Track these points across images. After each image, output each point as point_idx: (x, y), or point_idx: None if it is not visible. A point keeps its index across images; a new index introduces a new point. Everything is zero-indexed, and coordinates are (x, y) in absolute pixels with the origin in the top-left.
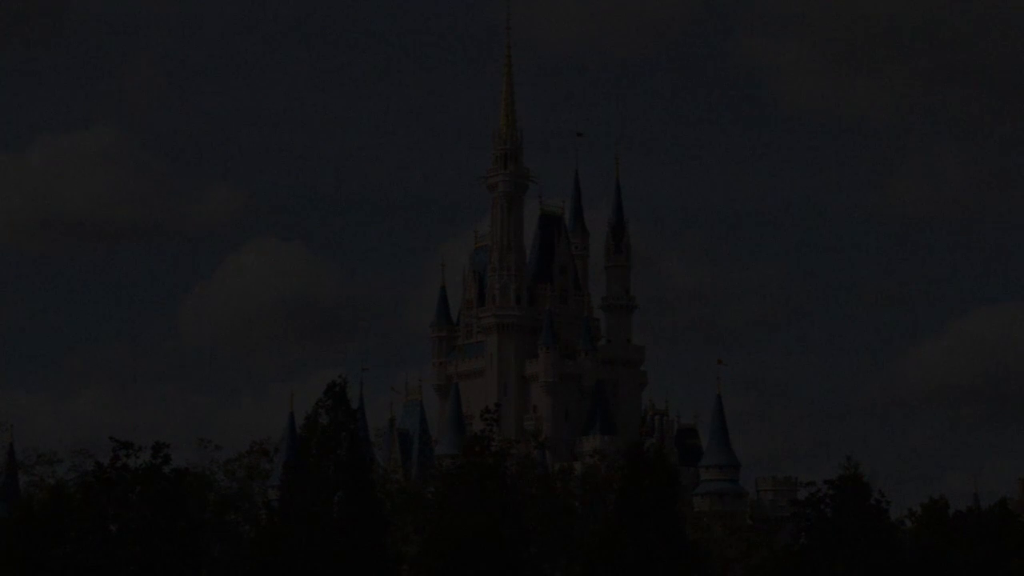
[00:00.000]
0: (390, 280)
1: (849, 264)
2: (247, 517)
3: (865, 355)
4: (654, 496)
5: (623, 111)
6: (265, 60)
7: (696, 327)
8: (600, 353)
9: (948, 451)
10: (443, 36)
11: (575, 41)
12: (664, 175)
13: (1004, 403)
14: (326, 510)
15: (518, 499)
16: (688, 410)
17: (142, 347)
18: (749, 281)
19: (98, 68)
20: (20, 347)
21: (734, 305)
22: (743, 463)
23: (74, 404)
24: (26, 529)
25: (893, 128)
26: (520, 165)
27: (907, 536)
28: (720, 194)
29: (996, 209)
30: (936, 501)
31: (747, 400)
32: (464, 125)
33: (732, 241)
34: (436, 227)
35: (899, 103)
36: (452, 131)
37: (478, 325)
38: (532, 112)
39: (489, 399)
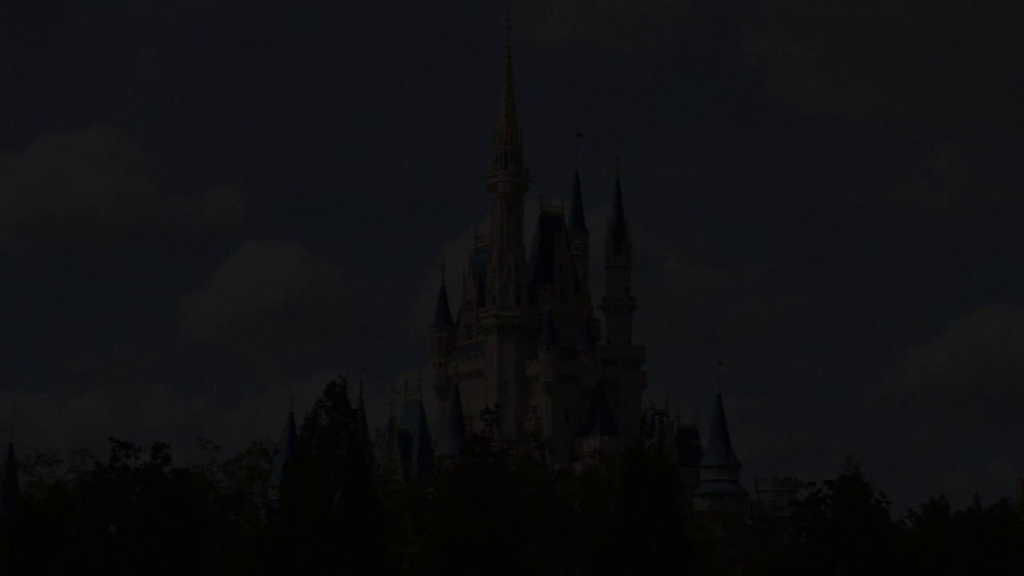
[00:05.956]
0: (390, 280)
1: (849, 264)
2: (247, 517)
3: (865, 355)
4: (654, 496)
5: (623, 111)
6: (265, 60)
7: (696, 327)
8: (600, 353)
9: (948, 451)
10: (443, 36)
11: (575, 41)
12: (664, 175)
13: (1004, 403)
14: (326, 510)
15: (518, 499)
16: (688, 410)
17: (142, 347)
18: (749, 281)
19: (98, 68)
20: (20, 347)
21: (734, 305)
22: (743, 463)
23: (74, 404)
24: (26, 529)
25: (893, 128)
26: (520, 165)
27: (907, 536)
28: (720, 194)
29: (997, 209)
30: (936, 501)
31: (747, 400)
32: (464, 125)
33: (732, 241)
34: (436, 227)
35: (899, 103)
36: (452, 131)
37: (478, 325)
38: (532, 112)
39: (489, 399)
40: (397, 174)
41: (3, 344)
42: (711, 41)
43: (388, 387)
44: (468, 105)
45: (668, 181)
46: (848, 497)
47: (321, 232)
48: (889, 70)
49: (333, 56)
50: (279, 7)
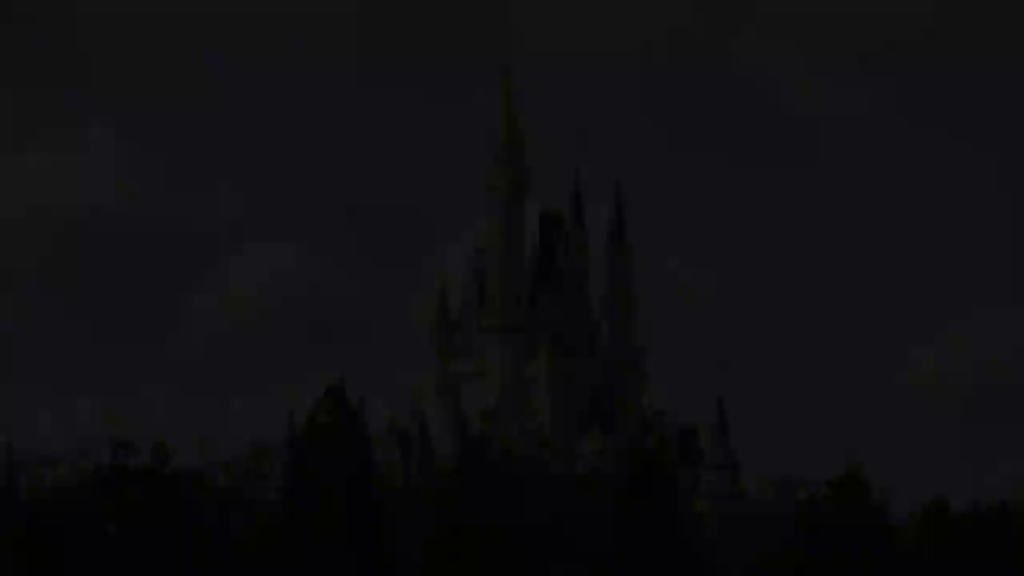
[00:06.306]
0: (390, 280)
1: (849, 264)
2: (247, 517)
3: (865, 355)
4: (654, 496)
5: (623, 111)
6: (265, 60)
7: (696, 327)
8: (600, 353)
9: (948, 451)
10: (443, 36)
11: (575, 41)
12: (664, 175)
13: (1004, 403)
14: (326, 510)
15: (518, 499)
16: (688, 410)
17: (142, 347)
18: (749, 281)
19: (98, 68)
20: (20, 347)
21: (734, 305)
22: (743, 463)
23: (74, 404)
24: (26, 529)
25: (893, 128)
26: (520, 165)
27: (907, 536)
28: (720, 194)
29: (996, 208)
30: (936, 501)
31: (747, 400)
32: (464, 125)
33: (732, 241)
34: (436, 227)
35: (899, 103)
36: (452, 131)
37: (478, 326)
38: (532, 112)
39: (489, 400)
40: (397, 174)
41: (3, 344)
42: (711, 41)
43: (388, 387)
44: (468, 105)
45: (668, 181)
46: (848, 497)
47: (321, 232)
48: (888, 70)
49: (333, 56)
50: (279, 7)
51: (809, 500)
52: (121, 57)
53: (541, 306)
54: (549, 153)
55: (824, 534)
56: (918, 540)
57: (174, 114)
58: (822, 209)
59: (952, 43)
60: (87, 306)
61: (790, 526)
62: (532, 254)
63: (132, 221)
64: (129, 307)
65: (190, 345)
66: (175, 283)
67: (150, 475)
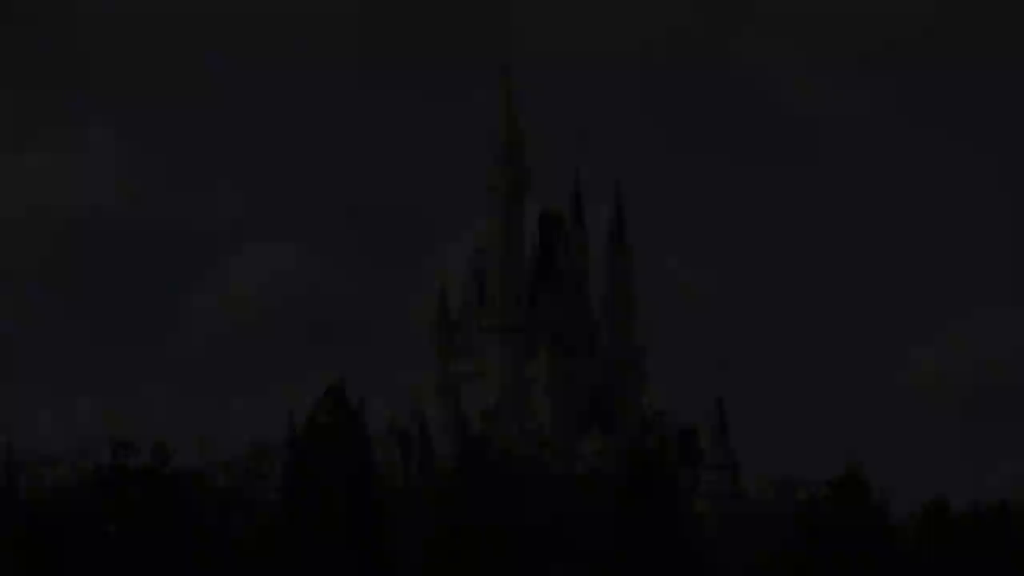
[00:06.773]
0: (390, 280)
1: (849, 264)
2: (247, 517)
3: (865, 355)
4: (654, 496)
5: (623, 111)
6: (265, 60)
7: (696, 327)
8: (600, 353)
9: (948, 451)
10: (443, 36)
11: (575, 41)
12: (664, 175)
13: (1004, 403)
14: (327, 510)
15: (518, 499)
16: (688, 410)
17: (142, 347)
18: (749, 281)
19: (98, 68)
20: (20, 347)
21: (734, 305)
22: (743, 463)
23: (74, 404)
24: (26, 529)
25: (893, 128)
26: (520, 165)
27: (907, 536)
28: (720, 194)
29: (996, 208)
30: (936, 501)
31: (747, 400)
32: (464, 125)
33: (732, 241)
34: (436, 227)
35: (899, 103)
36: (452, 131)
37: (478, 326)
38: (532, 112)
39: (489, 400)
40: (397, 174)
41: (3, 344)
42: (711, 41)
43: (388, 387)
44: (468, 104)
45: (668, 181)
46: (848, 497)
47: (321, 232)
48: (889, 70)
49: (333, 55)
50: (278, 7)
51: (809, 500)
52: (121, 57)
53: (541, 306)
54: (549, 153)
55: (824, 534)
56: (918, 540)
57: (174, 114)
58: (822, 209)
59: (952, 43)
60: (87, 306)
61: (790, 526)
62: (532, 254)
63: (132, 221)
64: (129, 307)
65: (190, 345)
66: (175, 283)
67: (150, 475)
